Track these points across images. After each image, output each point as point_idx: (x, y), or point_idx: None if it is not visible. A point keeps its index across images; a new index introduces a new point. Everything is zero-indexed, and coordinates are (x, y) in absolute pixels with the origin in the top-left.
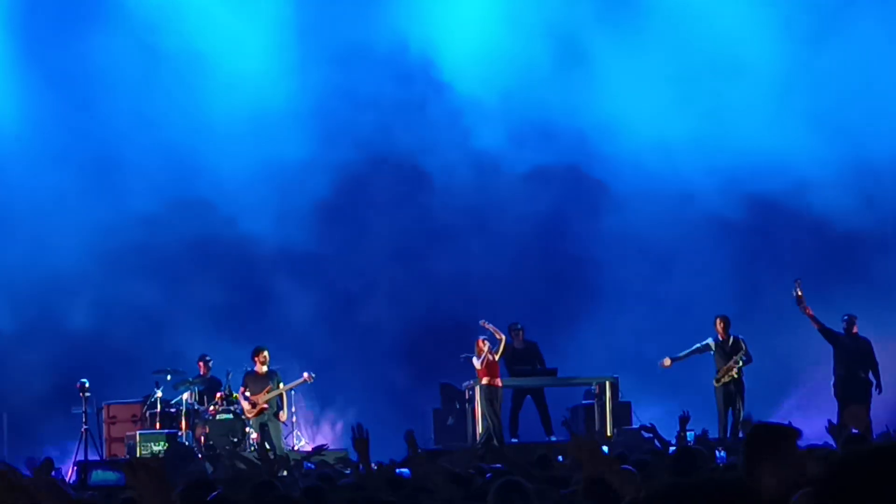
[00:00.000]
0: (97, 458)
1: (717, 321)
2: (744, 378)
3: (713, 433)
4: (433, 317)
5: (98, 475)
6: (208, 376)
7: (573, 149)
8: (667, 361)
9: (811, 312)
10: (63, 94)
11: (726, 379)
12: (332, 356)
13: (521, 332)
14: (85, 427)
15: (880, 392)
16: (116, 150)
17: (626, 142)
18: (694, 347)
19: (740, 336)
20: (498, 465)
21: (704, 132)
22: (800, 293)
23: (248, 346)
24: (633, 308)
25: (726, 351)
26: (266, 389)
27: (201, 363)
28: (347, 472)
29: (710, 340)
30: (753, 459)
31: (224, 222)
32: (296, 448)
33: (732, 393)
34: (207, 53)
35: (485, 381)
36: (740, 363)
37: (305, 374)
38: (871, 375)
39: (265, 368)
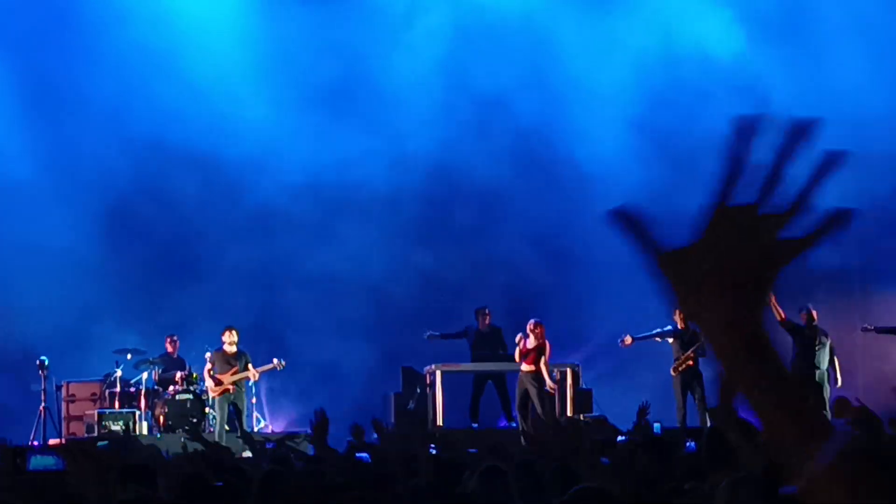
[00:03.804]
0: (56, 435)
1: (677, 312)
2: (700, 368)
3: (671, 422)
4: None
5: (37, 460)
6: (175, 356)
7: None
8: (628, 339)
9: (774, 302)
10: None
11: (683, 368)
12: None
13: (487, 316)
14: (44, 405)
15: (838, 384)
16: (75, 104)
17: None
18: (655, 332)
19: (699, 329)
20: None
21: None
22: None
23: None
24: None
25: (685, 341)
26: (233, 370)
27: (169, 342)
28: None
29: (669, 328)
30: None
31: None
32: (255, 430)
33: (689, 381)
34: None
35: (530, 368)
36: (699, 353)
37: (275, 360)
38: (829, 368)
39: (234, 348)
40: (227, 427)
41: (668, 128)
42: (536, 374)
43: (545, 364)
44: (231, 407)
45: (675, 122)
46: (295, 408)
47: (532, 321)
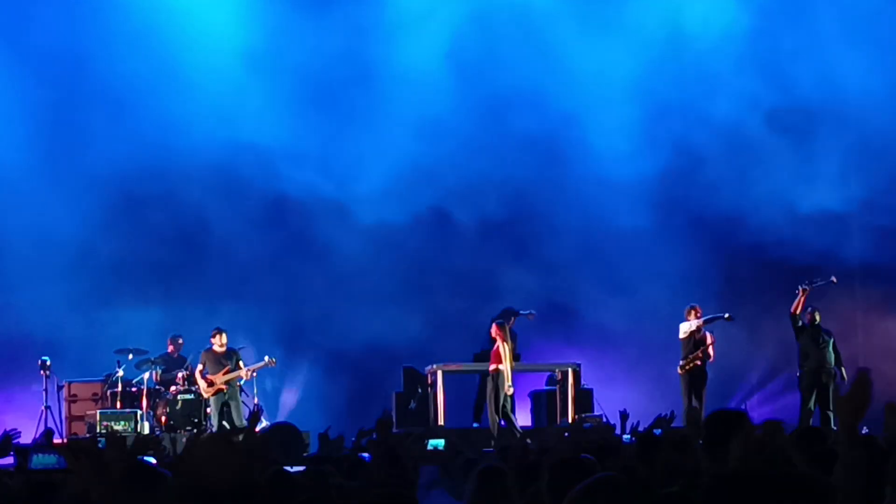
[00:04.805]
0: (57, 436)
1: (692, 311)
2: (707, 368)
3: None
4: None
5: (38, 459)
6: (176, 356)
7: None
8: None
9: (802, 298)
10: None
11: (690, 367)
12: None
13: (515, 317)
14: (45, 405)
15: (845, 381)
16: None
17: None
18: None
19: (709, 331)
20: None
21: None
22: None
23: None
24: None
25: (695, 339)
26: (224, 370)
27: (171, 343)
28: None
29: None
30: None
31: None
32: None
33: (696, 381)
34: None
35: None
36: (706, 355)
37: (267, 358)
38: (834, 367)
39: (223, 348)
40: (226, 425)
41: (682, 117)
42: (494, 374)
43: (503, 365)
44: (225, 406)
45: (690, 112)
46: (307, 401)
47: (494, 324)
